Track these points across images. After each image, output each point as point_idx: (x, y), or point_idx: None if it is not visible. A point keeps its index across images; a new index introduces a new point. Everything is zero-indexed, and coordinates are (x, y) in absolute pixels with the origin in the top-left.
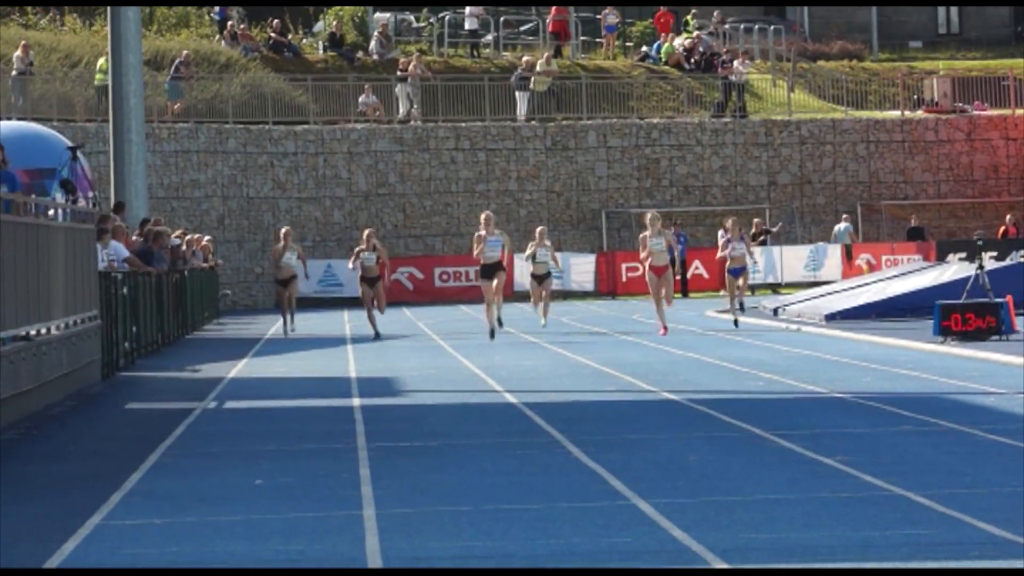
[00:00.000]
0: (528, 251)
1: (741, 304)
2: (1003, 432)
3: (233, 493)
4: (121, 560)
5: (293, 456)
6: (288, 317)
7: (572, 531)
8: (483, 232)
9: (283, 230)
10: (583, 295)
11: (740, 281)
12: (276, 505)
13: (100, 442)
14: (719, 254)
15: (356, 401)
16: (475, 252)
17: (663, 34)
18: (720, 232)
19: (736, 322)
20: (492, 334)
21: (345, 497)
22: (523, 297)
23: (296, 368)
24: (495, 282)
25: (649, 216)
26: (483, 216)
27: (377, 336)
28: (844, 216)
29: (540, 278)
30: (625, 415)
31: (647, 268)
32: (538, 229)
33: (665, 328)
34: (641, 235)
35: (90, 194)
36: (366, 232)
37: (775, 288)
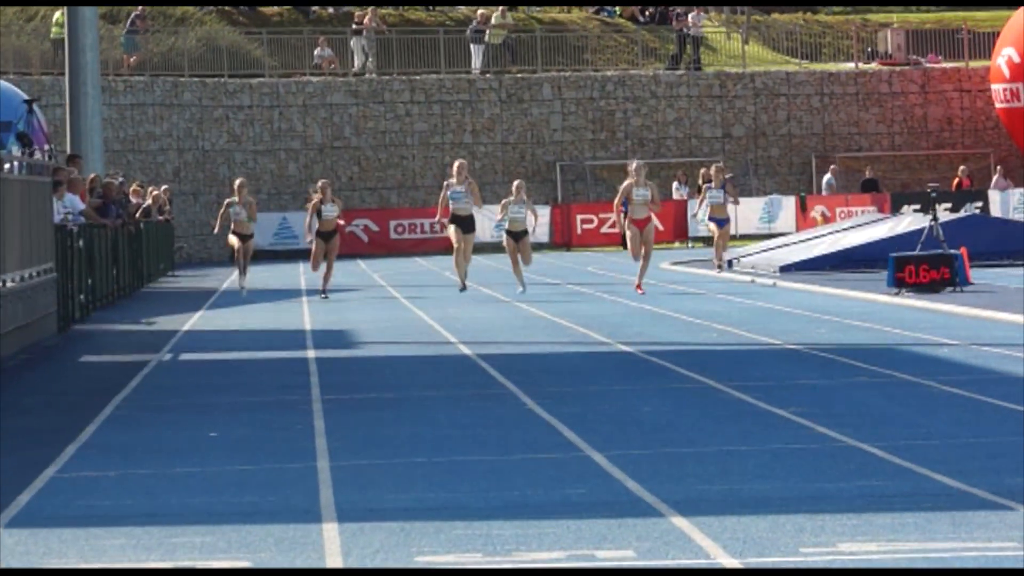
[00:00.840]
0: (501, 206)
1: (724, 261)
2: (957, 383)
3: (187, 446)
4: (76, 511)
5: (247, 408)
6: (244, 275)
7: (526, 483)
8: (452, 180)
9: (236, 182)
10: (538, 247)
11: (720, 233)
12: (230, 457)
13: (55, 395)
14: (699, 204)
15: (311, 353)
16: (439, 207)
17: None
18: (701, 179)
19: (720, 268)
20: (463, 287)
21: (299, 449)
22: (489, 249)
23: (251, 321)
24: (467, 240)
25: (634, 165)
26: (455, 165)
27: (324, 295)
28: (831, 168)
29: (516, 235)
30: (579, 367)
31: (627, 220)
32: (515, 183)
33: (641, 287)
34: (624, 183)
35: (46, 147)
36: (320, 183)
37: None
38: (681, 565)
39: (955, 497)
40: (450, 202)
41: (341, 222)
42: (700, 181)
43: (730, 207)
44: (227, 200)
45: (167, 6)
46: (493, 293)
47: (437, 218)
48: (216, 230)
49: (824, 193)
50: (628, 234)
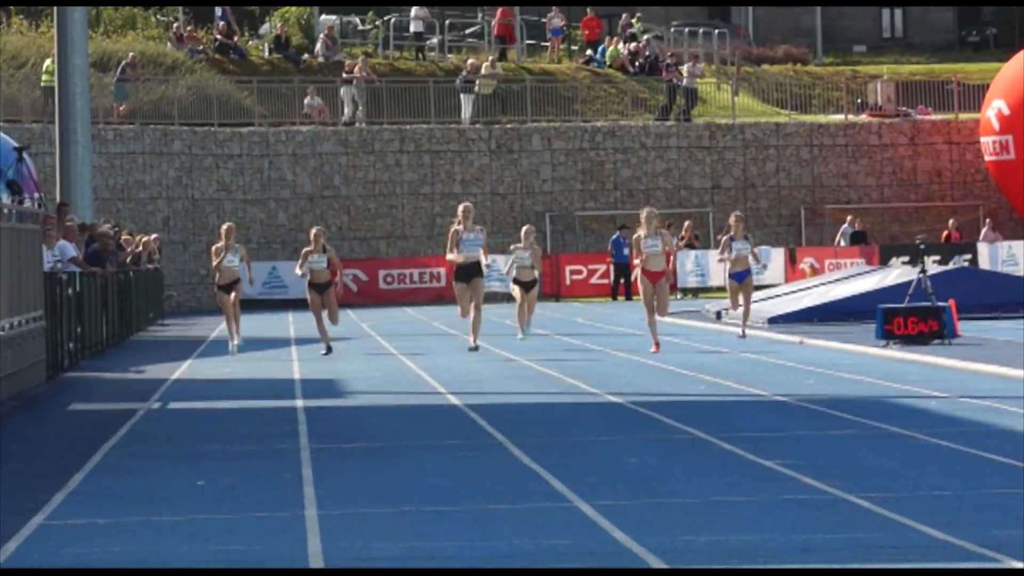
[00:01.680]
0: (509, 254)
1: (743, 334)
2: (944, 436)
3: (176, 494)
4: (64, 560)
5: (236, 457)
6: (234, 329)
7: (513, 532)
8: (459, 227)
9: (224, 227)
10: (506, 296)
11: (742, 290)
12: (218, 505)
13: (44, 443)
14: (718, 257)
15: (299, 403)
16: (449, 254)
17: (588, 39)
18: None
19: (744, 334)
20: (475, 347)
21: (287, 498)
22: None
23: (240, 370)
24: (473, 286)
25: (644, 213)
26: (460, 208)
27: (329, 351)
28: (848, 218)
29: (526, 285)
30: (567, 418)
31: (639, 273)
32: (524, 228)
33: (657, 344)
34: (635, 236)
35: (36, 195)
36: (313, 231)
37: (695, 292)
38: None
39: (942, 549)
40: (461, 249)
41: (337, 278)
42: (721, 235)
43: (751, 260)
44: (305, 250)
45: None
46: (482, 343)
47: (449, 256)
48: (216, 279)
49: (842, 244)
50: (640, 288)
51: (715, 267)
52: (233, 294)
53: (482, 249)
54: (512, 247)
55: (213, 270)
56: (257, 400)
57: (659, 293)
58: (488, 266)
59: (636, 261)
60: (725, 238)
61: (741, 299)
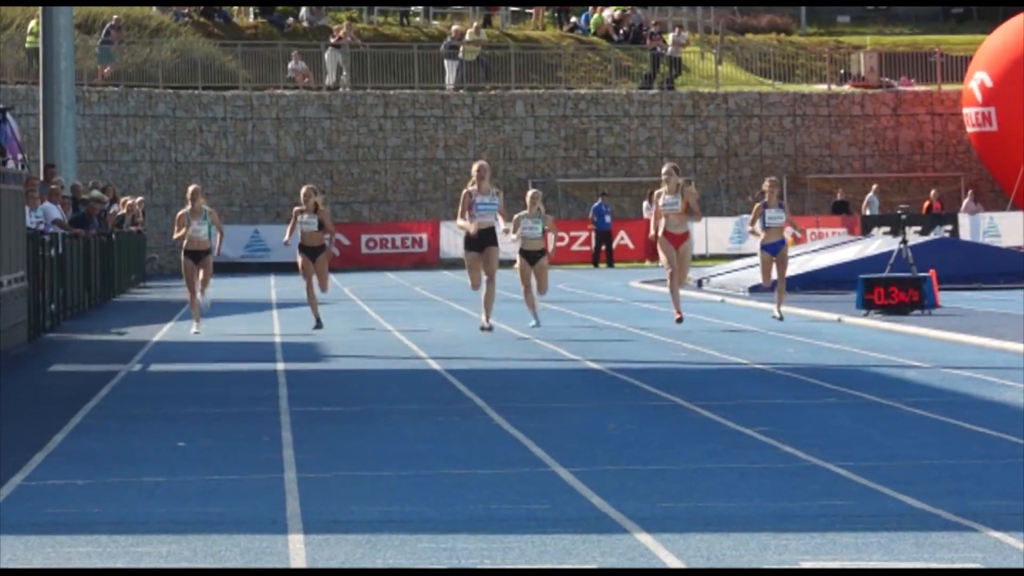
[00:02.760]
0: (514, 222)
1: (778, 312)
2: (923, 405)
3: (155, 455)
4: (43, 519)
5: (216, 420)
6: (198, 302)
7: (491, 497)
8: (472, 188)
9: (189, 189)
10: (511, 263)
11: (776, 264)
12: (197, 467)
13: (24, 404)
14: (748, 227)
15: (280, 366)
16: (459, 219)
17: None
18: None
19: (780, 316)
20: (488, 327)
21: (266, 460)
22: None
23: (221, 332)
24: (486, 256)
25: (665, 169)
26: (475, 167)
27: (319, 325)
28: (874, 187)
29: (531, 256)
30: (547, 383)
31: (659, 235)
32: (529, 193)
33: (680, 314)
34: (655, 192)
35: (19, 156)
36: (304, 189)
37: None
38: None
39: (919, 518)
40: (474, 213)
41: (328, 239)
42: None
43: (787, 231)
44: (179, 213)
45: (141, 5)
46: (463, 308)
47: (460, 223)
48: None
49: (867, 213)
50: (661, 251)
51: (697, 235)
52: (202, 272)
53: (498, 214)
54: (517, 215)
55: (177, 241)
56: (238, 363)
57: (681, 259)
58: (506, 231)
59: (653, 218)
60: (757, 205)
61: (774, 273)
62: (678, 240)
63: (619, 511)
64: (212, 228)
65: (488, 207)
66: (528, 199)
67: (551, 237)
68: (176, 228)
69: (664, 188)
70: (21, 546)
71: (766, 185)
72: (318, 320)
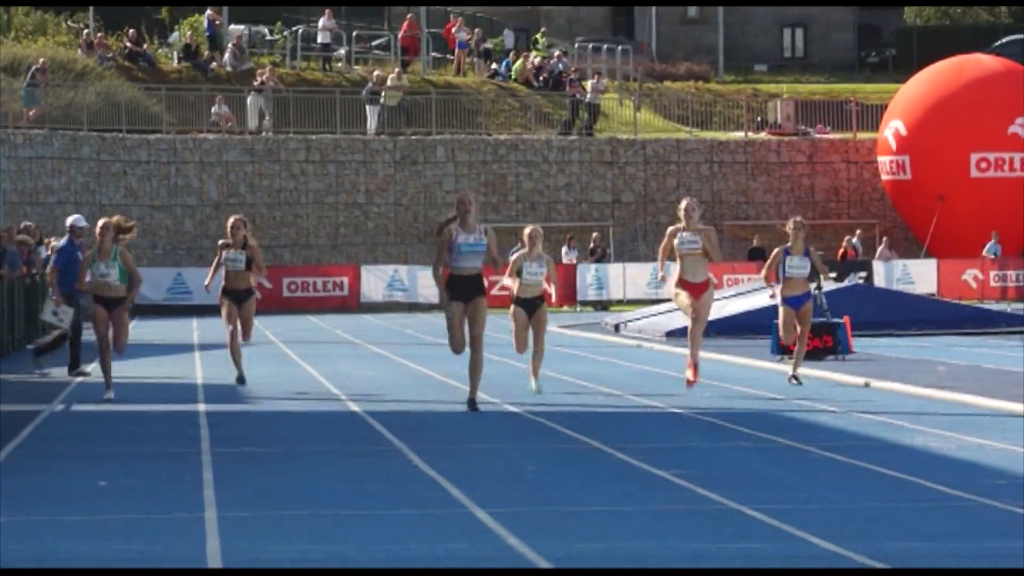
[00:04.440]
0: (511, 263)
1: (795, 376)
2: (837, 449)
3: (77, 493)
4: None
5: (137, 459)
6: (110, 368)
7: (409, 536)
8: (454, 225)
9: (99, 225)
10: (429, 307)
11: (799, 320)
12: (119, 506)
13: None
14: (764, 272)
15: (202, 407)
16: (508, 280)
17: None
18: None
19: (796, 378)
20: (476, 407)
21: (187, 499)
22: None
23: (143, 373)
24: (472, 310)
25: (684, 205)
26: (458, 198)
27: (242, 381)
28: (858, 232)
29: (530, 305)
30: (466, 425)
31: (674, 281)
32: (527, 231)
33: (695, 370)
34: (671, 228)
35: None
36: (231, 221)
37: (606, 305)
38: None
39: (831, 560)
40: (453, 258)
41: (261, 281)
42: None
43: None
44: (220, 242)
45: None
46: (382, 351)
47: (507, 281)
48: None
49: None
50: (679, 300)
51: (615, 280)
52: (115, 327)
53: (494, 258)
54: (514, 256)
55: (80, 286)
56: (160, 404)
57: (702, 309)
58: (506, 288)
59: (661, 254)
60: (778, 250)
61: (797, 329)
62: (698, 290)
63: (535, 551)
64: (124, 272)
65: (474, 249)
66: (527, 237)
67: (551, 286)
68: (80, 271)
69: (681, 224)
70: None
71: (790, 226)
72: (241, 375)
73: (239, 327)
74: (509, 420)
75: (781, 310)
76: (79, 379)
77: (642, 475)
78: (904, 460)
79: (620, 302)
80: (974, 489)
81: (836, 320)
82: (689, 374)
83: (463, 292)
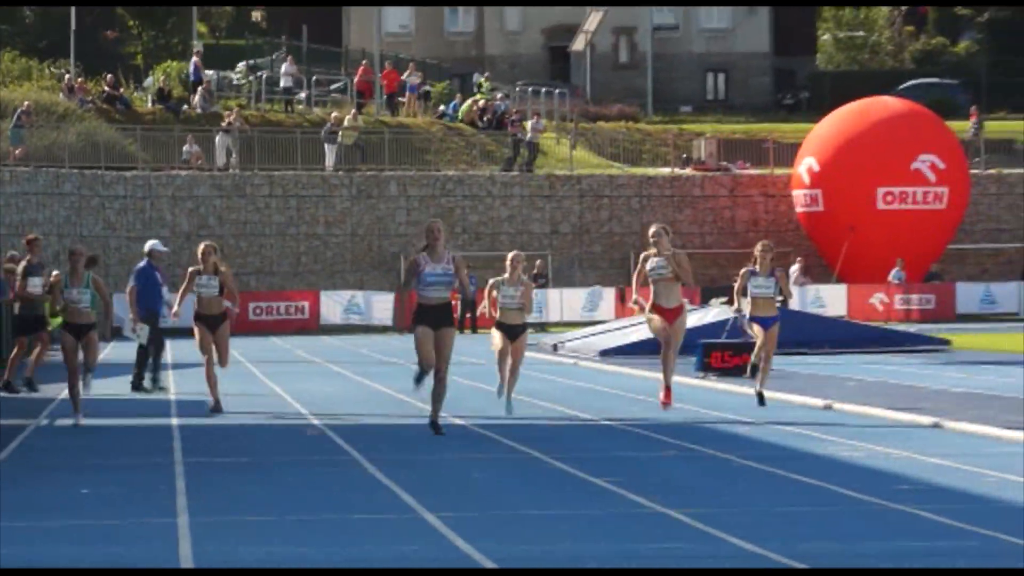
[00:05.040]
0: (489, 288)
1: (760, 394)
2: (754, 458)
3: (61, 502)
4: None
5: (116, 469)
6: (79, 387)
7: (366, 539)
8: (422, 256)
9: (72, 250)
10: (383, 329)
11: (767, 339)
12: (99, 512)
13: None
14: (737, 295)
15: (175, 421)
16: (630, 303)
17: (388, 91)
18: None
19: (761, 397)
20: (439, 429)
21: (162, 506)
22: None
23: (121, 390)
24: (440, 339)
25: (652, 231)
26: (426, 227)
27: (217, 409)
28: (798, 259)
29: (512, 331)
30: (417, 438)
31: (648, 306)
32: (510, 255)
33: (669, 393)
34: (643, 253)
35: None
36: (202, 247)
37: (545, 327)
38: None
39: (750, 558)
40: (421, 287)
41: (229, 305)
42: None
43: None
44: (54, 273)
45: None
46: (340, 370)
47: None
48: (49, 322)
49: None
50: (652, 325)
51: (553, 303)
52: (84, 352)
53: (460, 278)
54: (492, 281)
55: (52, 308)
56: (136, 418)
57: (676, 333)
58: (490, 316)
59: (635, 280)
60: (744, 270)
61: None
62: (671, 315)
63: (481, 552)
64: (96, 298)
65: (440, 280)
66: (509, 262)
67: (526, 303)
68: (56, 294)
69: (653, 251)
70: None
71: (757, 249)
72: (217, 403)
73: (214, 355)
74: (456, 432)
75: (753, 328)
76: (148, 395)
77: (578, 482)
78: (816, 467)
79: (558, 324)
80: (880, 493)
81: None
82: (662, 396)
83: (432, 320)
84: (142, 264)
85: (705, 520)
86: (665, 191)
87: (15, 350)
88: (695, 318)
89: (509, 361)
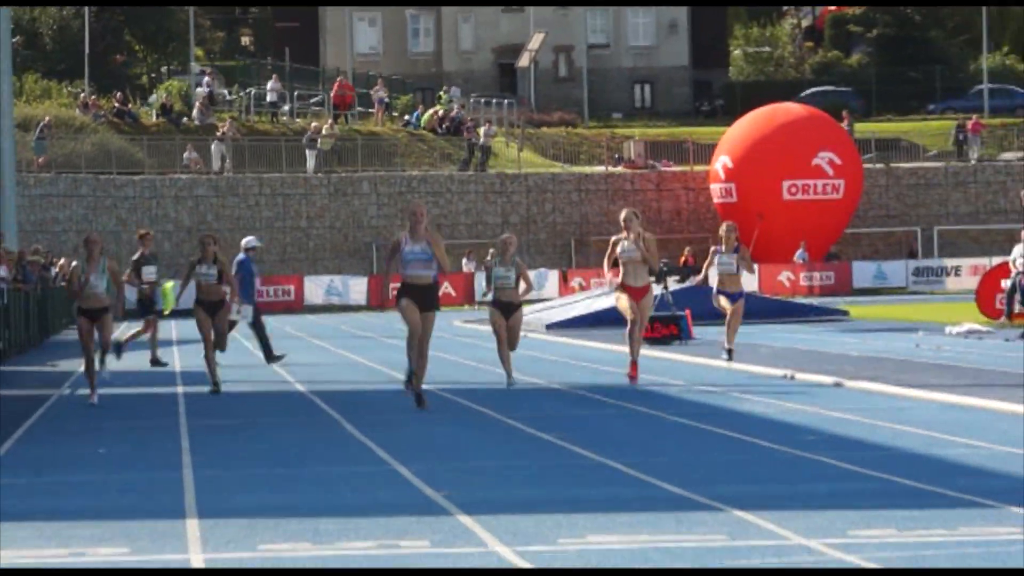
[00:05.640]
0: (484, 266)
1: (729, 351)
2: (682, 415)
3: (81, 459)
4: None
5: (129, 431)
6: (95, 367)
7: (346, 489)
8: (404, 235)
9: (89, 237)
10: (358, 308)
11: (732, 312)
12: (115, 468)
13: None
14: (701, 276)
15: (179, 389)
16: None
17: (339, 103)
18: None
19: (730, 353)
20: (419, 395)
21: (169, 462)
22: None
23: (132, 364)
24: (424, 317)
25: (624, 215)
26: (502, 238)
27: (216, 390)
28: (803, 244)
29: (506, 308)
30: (389, 401)
31: (618, 286)
32: (503, 236)
33: (635, 367)
34: (613, 238)
35: None
36: (201, 237)
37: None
38: (465, 552)
39: (678, 501)
40: (402, 265)
41: (227, 290)
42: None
43: (744, 277)
44: (72, 263)
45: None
46: (323, 343)
47: (389, 275)
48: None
49: (798, 261)
50: (620, 303)
51: None
52: (99, 333)
53: (437, 253)
54: (487, 259)
55: (69, 293)
56: (146, 387)
57: (642, 311)
58: (484, 295)
59: (607, 262)
60: (713, 249)
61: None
62: (638, 293)
63: (446, 499)
64: (111, 284)
65: (418, 257)
66: (501, 243)
67: (523, 286)
68: (75, 289)
69: (624, 235)
70: None
71: (722, 230)
72: (216, 385)
73: (212, 339)
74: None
75: (719, 301)
76: (275, 364)
77: (529, 437)
78: (735, 422)
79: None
80: (790, 443)
81: (679, 313)
82: (630, 370)
83: (417, 299)
84: (241, 256)
85: (639, 468)
86: (600, 186)
87: (143, 329)
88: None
89: (510, 339)
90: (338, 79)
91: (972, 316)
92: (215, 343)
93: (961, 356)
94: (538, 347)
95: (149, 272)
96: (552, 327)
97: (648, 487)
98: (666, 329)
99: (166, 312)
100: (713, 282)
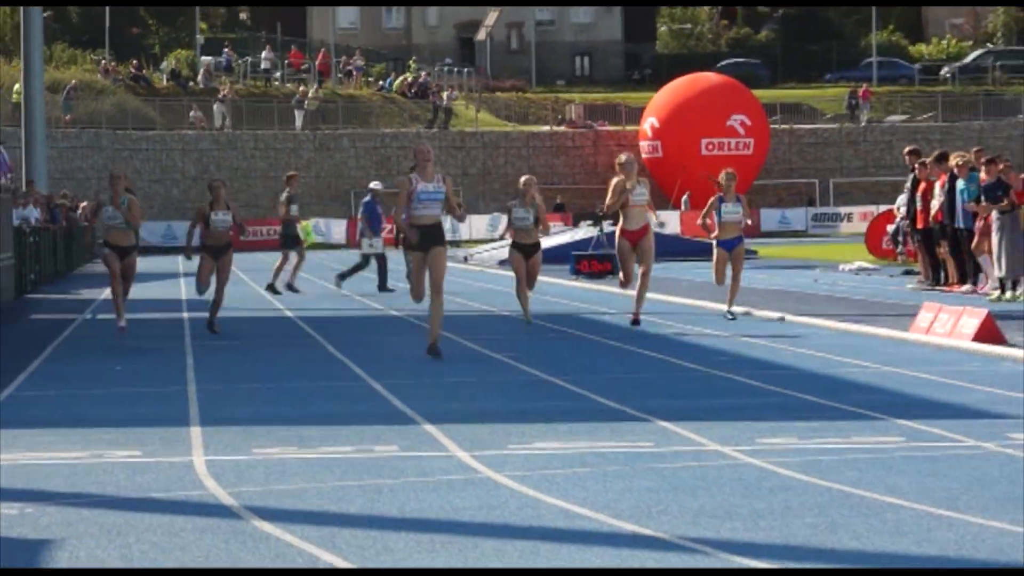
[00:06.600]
0: (506, 209)
1: (731, 311)
2: (613, 338)
3: (101, 375)
4: (24, 418)
5: (142, 351)
6: (121, 306)
7: (327, 401)
8: (414, 175)
9: (113, 173)
10: (339, 246)
11: (732, 261)
12: (130, 382)
13: (12, 341)
14: (699, 220)
15: (185, 315)
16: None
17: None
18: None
19: (732, 313)
20: (437, 351)
21: (176, 377)
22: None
23: (145, 293)
24: (432, 259)
25: (624, 159)
26: (417, 149)
27: (213, 329)
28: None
29: (526, 249)
30: (364, 325)
31: (618, 230)
32: (523, 179)
33: (638, 315)
34: (614, 180)
35: (9, 175)
36: (213, 184)
37: (459, 243)
38: (429, 455)
39: (612, 413)
40: (415, 206)
41: (241, 228)
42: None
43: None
44: (99, 197)
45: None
46: (308, 276)
47: (403, 221)
48: (88, 242)
49: (682, 209)
50: (619, 248)
51: (464, 227)
52: (124, 271)
53: (451, 201)
54: (509, 203)
55: (91, 223)
56: (156, 313)
57: (641, 253)
58: (501, 237)
59: (609, 201)
60: (713, 199)
61: (729, 270)
62: (636, 236)
63: (413, 410)
64: (128, 220)
65: (432, 197)
66: (522, 184)
67: (541, 222)
68: (88, 215)
69: (621, 177)
70: (9, 436)
71: (722, 178)
72: (212, 324)
73: (209, 283)
74: (392, 322)
75: (716, 252)
76: (385, 293)
77: (484, 357)
78: (658, 345)
79: (468, 241)
80: (706, 364)
81: (612, 252)
82: (632, 315)
83: (424, 241)
84: (367, 199)
85: (578, 384)
86: (545, 143)
87: (280, 260)
88: (568, 236)
89: (529, 280)
90: (322, 50)
91: (862, 256)
92: (216, 292)
93: (853, 290)
94: (493, 280)
95: (294, 210)
96: (504, 263)
97: (585, 400)
98: (601, 265)
99: (307, 245)
100: (714, 229)
